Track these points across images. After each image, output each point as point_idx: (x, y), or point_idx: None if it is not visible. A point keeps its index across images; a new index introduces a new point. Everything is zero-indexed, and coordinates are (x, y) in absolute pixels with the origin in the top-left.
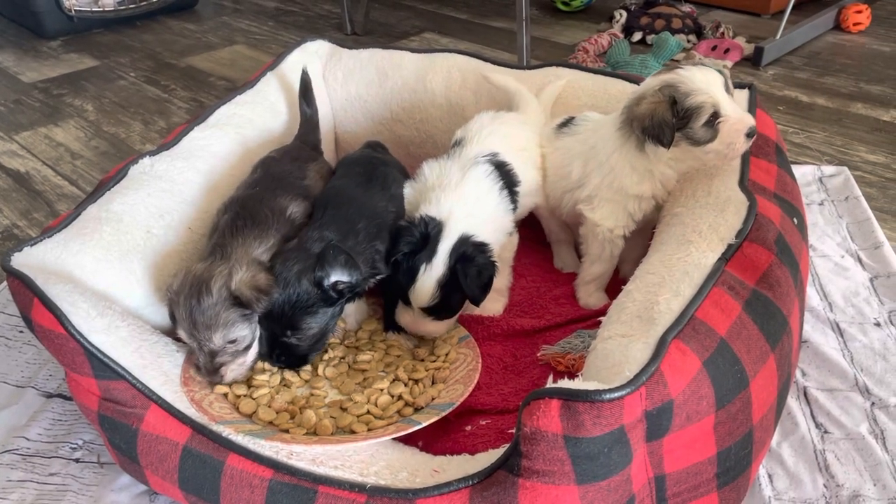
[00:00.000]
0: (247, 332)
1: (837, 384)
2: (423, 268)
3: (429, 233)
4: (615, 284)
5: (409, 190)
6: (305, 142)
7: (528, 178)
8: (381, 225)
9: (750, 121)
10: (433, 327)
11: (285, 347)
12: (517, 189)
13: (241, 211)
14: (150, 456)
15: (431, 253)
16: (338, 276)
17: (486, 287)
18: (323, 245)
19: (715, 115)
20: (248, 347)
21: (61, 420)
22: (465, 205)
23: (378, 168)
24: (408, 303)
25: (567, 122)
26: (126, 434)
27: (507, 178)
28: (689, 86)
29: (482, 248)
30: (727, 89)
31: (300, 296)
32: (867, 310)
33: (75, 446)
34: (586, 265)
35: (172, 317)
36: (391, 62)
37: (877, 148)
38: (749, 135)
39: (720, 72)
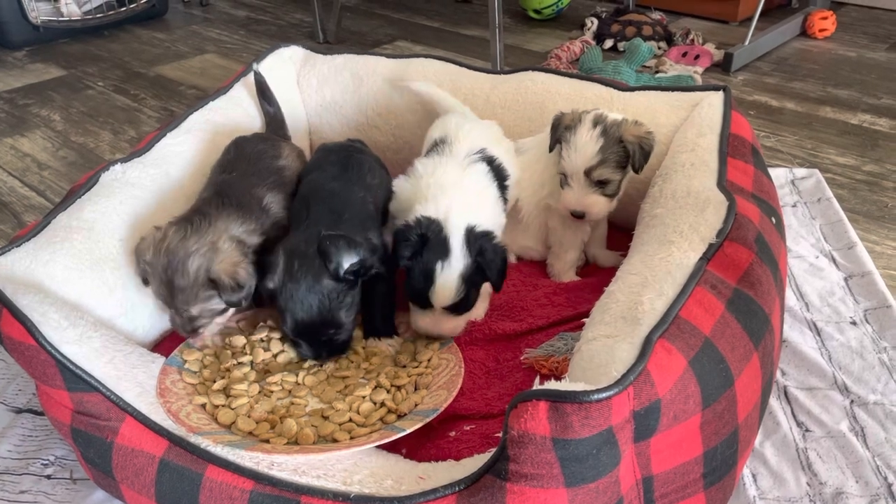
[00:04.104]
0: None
1: (817, 383)
2: (439, 266)
3: (426, 234)
4: (599, 285)
5: (404, 184)
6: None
7: (512, 169)
8: (364, 215)
9: (573, 207)
10: (454, 324)
11: (328, 343)
12: (507, 183)
13: (222, 190)
14: (125, 470)
15: (444, 251)
16: (346, 260)
17: (504, 272)
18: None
19: (564, 178)
20: (225, 309)
21: (31, 436)
22: (465, 201)
23: (353, 157)
24: (425, 305)
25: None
26: (100, 448)
27: (498, 173)
28: (570, 148)
29: (490, 235)
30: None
31: (329, 295)
32: (843, 309)
33: (47, 462)
34: (561, 254)
35: (145, 281)
36: (366, 68)
37: (846, 150)
38: (575, 215)
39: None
